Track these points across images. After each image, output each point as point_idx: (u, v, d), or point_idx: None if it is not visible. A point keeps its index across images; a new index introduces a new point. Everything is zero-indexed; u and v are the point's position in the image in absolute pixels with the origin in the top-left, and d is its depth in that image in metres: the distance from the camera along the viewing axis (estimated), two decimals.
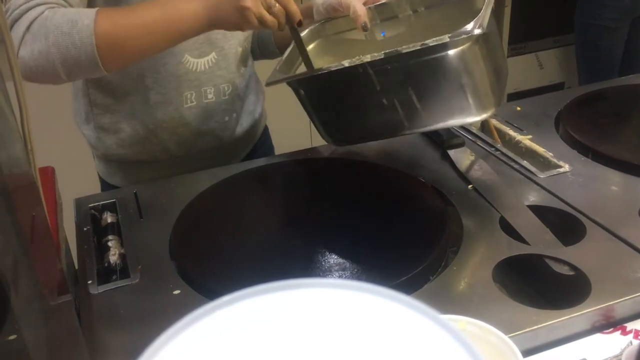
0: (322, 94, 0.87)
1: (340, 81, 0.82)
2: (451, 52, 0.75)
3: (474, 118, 0.81)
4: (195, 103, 0.99)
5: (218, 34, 0.97)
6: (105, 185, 1.09)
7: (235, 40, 1.00)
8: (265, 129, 1.20)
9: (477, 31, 0.72)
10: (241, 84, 1.05)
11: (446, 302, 0.65)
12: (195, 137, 1.03)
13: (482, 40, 0.76)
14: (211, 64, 0.98)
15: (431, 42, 0.74)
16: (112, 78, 0.96)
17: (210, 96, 1.00)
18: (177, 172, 1.01)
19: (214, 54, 0.98)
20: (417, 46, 0.75)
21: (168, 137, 1.01)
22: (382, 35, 0.96)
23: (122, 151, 1.02)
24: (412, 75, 0.79)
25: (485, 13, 0.75)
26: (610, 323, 0.64)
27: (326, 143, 1.08)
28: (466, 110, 0.80)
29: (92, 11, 0.77)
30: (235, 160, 1.08)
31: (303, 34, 0.95)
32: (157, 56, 0.93)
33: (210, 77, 0.99)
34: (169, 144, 1.02)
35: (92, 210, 0.88)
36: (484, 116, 0.81)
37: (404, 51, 0.75)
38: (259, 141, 1.16)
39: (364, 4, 0.91)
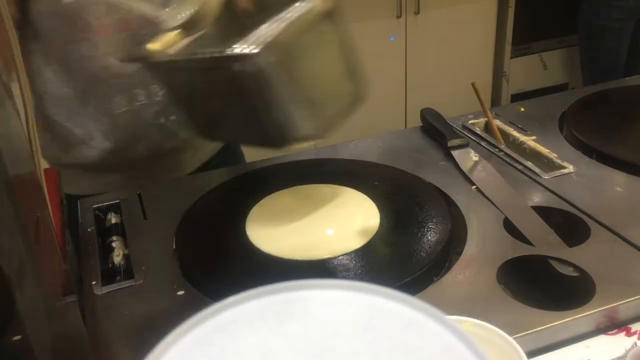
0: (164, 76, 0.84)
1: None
2: (229, 67, 0.66)
3: (277, 146, 0.74)
4: (127, 108, 0.96)
5: (145, 36, 0.89)
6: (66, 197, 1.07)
7: None
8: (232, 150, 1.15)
9: (239, 50, 0.63)
10: None
11: (450, 303, 0.65)
12: (130, 143, 0.99)
13: (277, 60, 0.65)
14: (139, 66, 0.91)
15: (206, 53, 0.67)
16: (47, 84, 0.94)
17: (141, 98, 0.96)
18: (121, 177, 0.99)
19: None
20: (192, 55, 0.69)
21: (101, 143, 0.98)
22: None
23: (61, 156, 1.01)
24: (200, 82, 0.74)
25: (268, 31, 0.65)
26: (615, 324, 0.64)
27: (330, 144, 1.08)
28: (261, 136, 0.73)
29: None
30: (186, 169, 1.05)
31: None
32: (81, 61, 0.91)
33: (141, 79, 0.95)
34: (104, 151, 0.99)
35: (96, 211, 0.88)
36: (294, 145, 0.73)
37: (173, 58, 0.70)
38: (223, 150, 1.12)
39: None
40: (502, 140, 1.00)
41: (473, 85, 0.95)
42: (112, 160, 1.00)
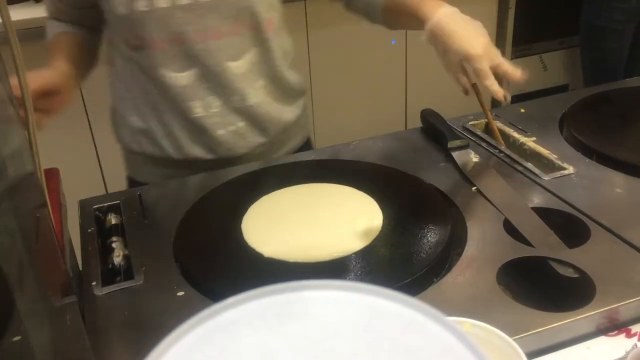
0: None
1: None
2: None
3: None
4: (184, 116, 0.99)
5: (200, 50, 0.94)
6: (133, 183, 1.11)
7: (222, 56, 0.96)
8: (307, 145, 1.17)
9: None
10: (235, 97, 1.00)
11: (450, 304, 0.64)
12: (185, 147, 1.02)
13: None
14: (194, 79, 0.96)
15: None
16: (114, 75, 1.01)
17: (197, 110, 0.98)
18: (180, 173, 1.02)
19: (195, 69, 0.96)
20: None
21: (159, 139, 1.02)
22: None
23: (130, 142, 1.05)
24: None
25: None
26: (615, 325, 0.64)
27: (329, 145, 1.08)
28: None
29: (47, 40, 0.99)
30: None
31: None
32: (139, 69, 0.96)
33: (196, 91, 0.97)
34: (166, 147, 1.02)
35: (97, 212, 0.88)
36: None
37: None
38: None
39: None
40: (502, 142, 1.00)
41: (474, 86, 0.95)
42: (169, 156, 1.03)
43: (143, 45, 0.93)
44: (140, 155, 1.06)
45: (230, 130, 1.02)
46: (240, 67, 0.98)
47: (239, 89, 0.99)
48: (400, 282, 0.67)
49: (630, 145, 0.96)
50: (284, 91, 1.07)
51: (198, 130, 1.01)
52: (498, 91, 0.89)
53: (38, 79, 0.84)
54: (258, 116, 1.03)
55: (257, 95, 1.02)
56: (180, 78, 0.95)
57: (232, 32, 0.95)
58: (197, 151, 1.03)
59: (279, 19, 1.02)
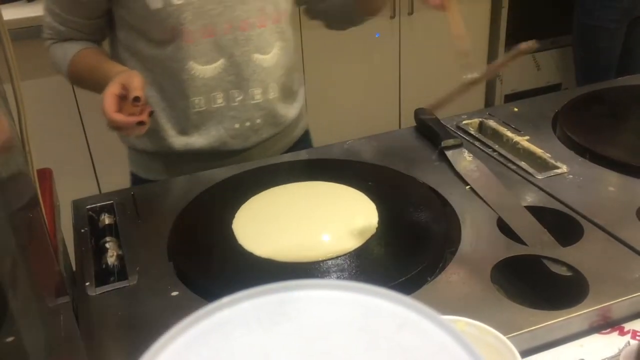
0: None
1: None
2: None
3: None
4: (204, 108, 1.01)
5: (229, 41, 0.98)
6: (137, 180, 1.12)
7: (251, 47, 1.00)
8: (305, 136, 1.20)
9: None
10: (257, 91, 1.03)
11: (444, 303, 0.65)
12: (198, 140, 1.04)
13: None
14: (219, 70, 0.99)
15: None
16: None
17: (219, 101, 1.01)
18: (186, 168, 1.03)
19: (222, 60, 0.99)
20: None
21: (174, 139, 1.03)
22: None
23: (135, 141, 1.06)
24: None
25: None
26: (608, 323, 0.64)
27: (323, 144, 1.08)
28: None
29: (67, 62, 1.01)
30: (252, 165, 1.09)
31: None
32: (165, 61, 0.97)
33: (220, 83, 1.00)
34: (174, 143, 1.03)
35: (90, 212, 0.88)
36: None
37: None
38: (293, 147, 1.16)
39: None
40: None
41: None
42: (178, 151, 1.05)
43: (173, 38, 0.95)
44: (144, 153, 1.08)
45: (246, 125, 1.05)
46: (267, 60, 1.03)
47: (262, 82, 1.03)
48: (395, 281, 0.67)
49: (622, 143, 0.97)
50: (292, 86, 1.11)
51: (214, 123, 1.03)
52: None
53: (140, 79, 0.85)
54: (273, 111, 1.07)
55: (275, 90, 1.06)
56: (208, 70, 0.98)
57: (258, 24, 0.99)
58: (206, 144, 1.04)
59: (290, 11, 1.06)
